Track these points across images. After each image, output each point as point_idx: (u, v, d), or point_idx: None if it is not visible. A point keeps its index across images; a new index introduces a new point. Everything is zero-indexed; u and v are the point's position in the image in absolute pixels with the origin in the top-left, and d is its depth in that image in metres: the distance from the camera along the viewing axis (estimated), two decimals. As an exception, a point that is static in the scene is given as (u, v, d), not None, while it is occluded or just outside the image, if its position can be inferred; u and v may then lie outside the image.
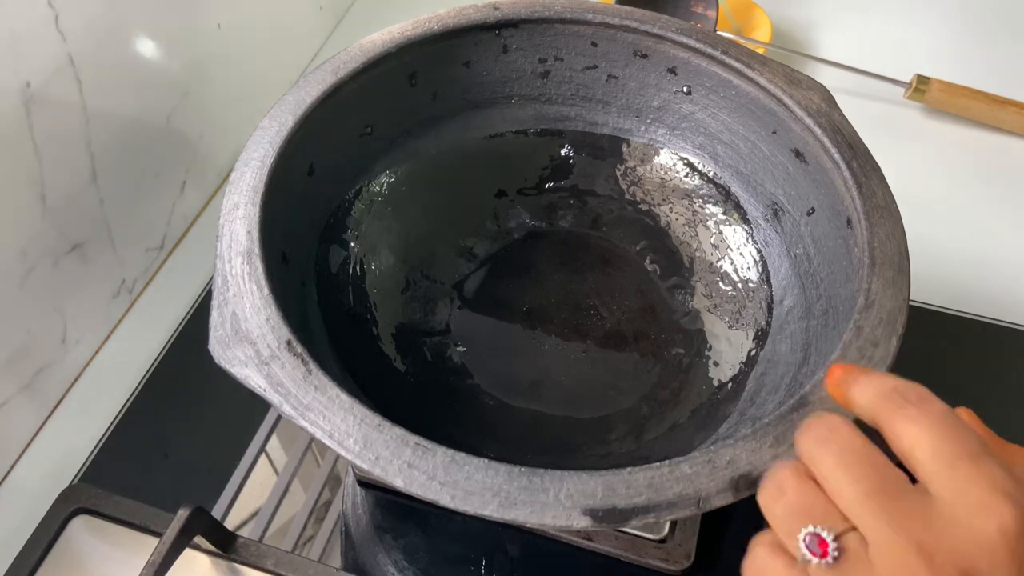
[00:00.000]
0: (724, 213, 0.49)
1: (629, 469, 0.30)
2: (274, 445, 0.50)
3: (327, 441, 0.30)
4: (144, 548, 0.41)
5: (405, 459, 0.30)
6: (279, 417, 0.50)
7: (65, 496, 0.44)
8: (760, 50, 0.67)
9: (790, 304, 0.44)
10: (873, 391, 0.25)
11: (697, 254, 0.49)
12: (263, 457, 0.49)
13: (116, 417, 0.51)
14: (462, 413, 0.44)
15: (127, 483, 0.47)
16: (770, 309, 0.45)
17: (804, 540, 0.23)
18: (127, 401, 0.51)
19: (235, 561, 0.42)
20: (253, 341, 0.33)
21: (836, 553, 0.23)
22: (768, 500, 0.25)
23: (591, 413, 0.44)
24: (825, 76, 0.61)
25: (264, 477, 0.48)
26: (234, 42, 0.61)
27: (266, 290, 0.34)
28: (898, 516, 0.22)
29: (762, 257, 0.47)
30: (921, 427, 0.23)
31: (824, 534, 0.23)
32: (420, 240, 0.49)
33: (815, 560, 0.23)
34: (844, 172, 0.39)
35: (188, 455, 0.49)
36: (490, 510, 0.29)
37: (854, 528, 0.23)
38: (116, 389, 0.52)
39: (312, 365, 0.32)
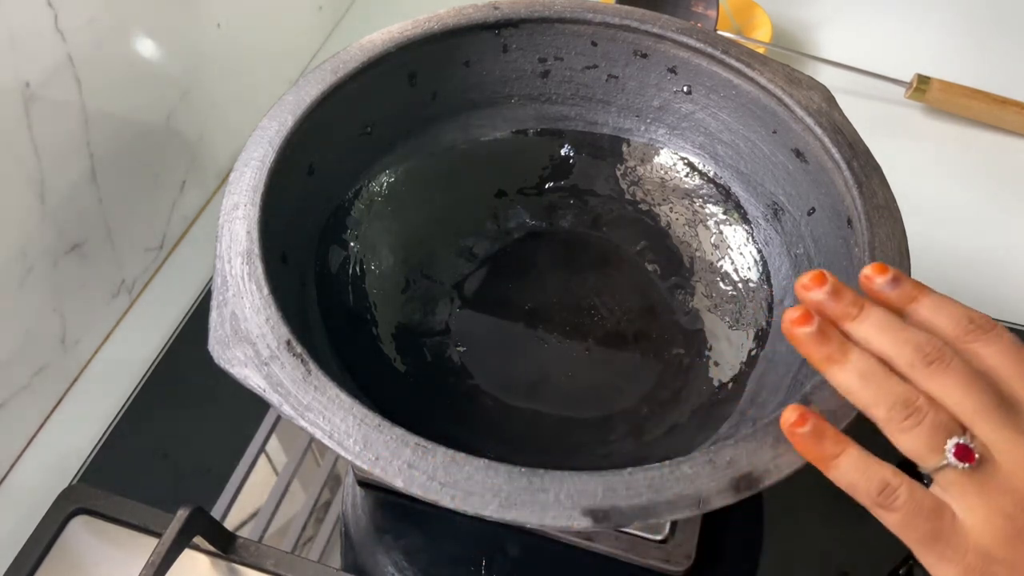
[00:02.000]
0: (724, 213, 0.49)
1: (629, 469, 0.30)
2: (274, 445, 0.50)
3: (327, 441, 0.30)
4: (144, 548, 0.41)
5: (405, 459, 0.30)
6: (279, 417, 0.50)
7: (65, 496, 0.44)
8: (760, 50, 0.67)
9: (790, 304, 0.44)
10: (945, 313, 0.29)
11: (697, 254, 0.49)
12: (263, 457, 0.49)
13: (116, 417, 0.51)
14: (462, 413, 0.44)
15: (127, 483, 0.47)
16: (770, 309, 0.45)
17: (951, 450, 0.26)
18: (127, 401, 0.51)
19: (235, 561, 0.42)
20: (253, 341, 0.33)
21: (978, 458, 0.26)
22: (905, 424, 0.27)
23: (591, 413, 0.44)
24: (825, 76, 0.61)
25: (264, 477, 0.48)
26: (234, 42, 0.60)
27: (266, 290, 0.34)
28: (1021, 425, 0.26)
29: (762, 257, 0.47)
30: (999, 349, 0.28)
31: (971, 443, 0.26)
32: (420, 240, 0.49)
33: (962, 465, 0.26)
34: (845, 172, 0.39)
35: (188, 455, 0.49)
36: (490, 510, 0.29)
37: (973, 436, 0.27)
38: (116, 389, 0.52)
39: (312, 365, 0.32)
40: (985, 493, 0.26)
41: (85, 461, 0.49)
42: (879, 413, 0.27)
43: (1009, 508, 0.26)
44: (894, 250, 0.36)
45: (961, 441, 0.26)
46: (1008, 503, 0.26)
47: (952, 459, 0.26)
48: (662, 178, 0.50)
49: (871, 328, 0.28)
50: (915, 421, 0.27)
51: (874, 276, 0.29)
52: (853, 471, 0.28)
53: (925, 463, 0.27)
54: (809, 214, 0.43)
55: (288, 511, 0.47)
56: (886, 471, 0.27)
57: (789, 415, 0.29)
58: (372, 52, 0.43)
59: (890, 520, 0.27)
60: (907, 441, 0.27)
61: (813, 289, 0.29)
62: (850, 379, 0.28)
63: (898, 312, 0.29)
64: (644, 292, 0.49)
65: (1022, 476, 0.26)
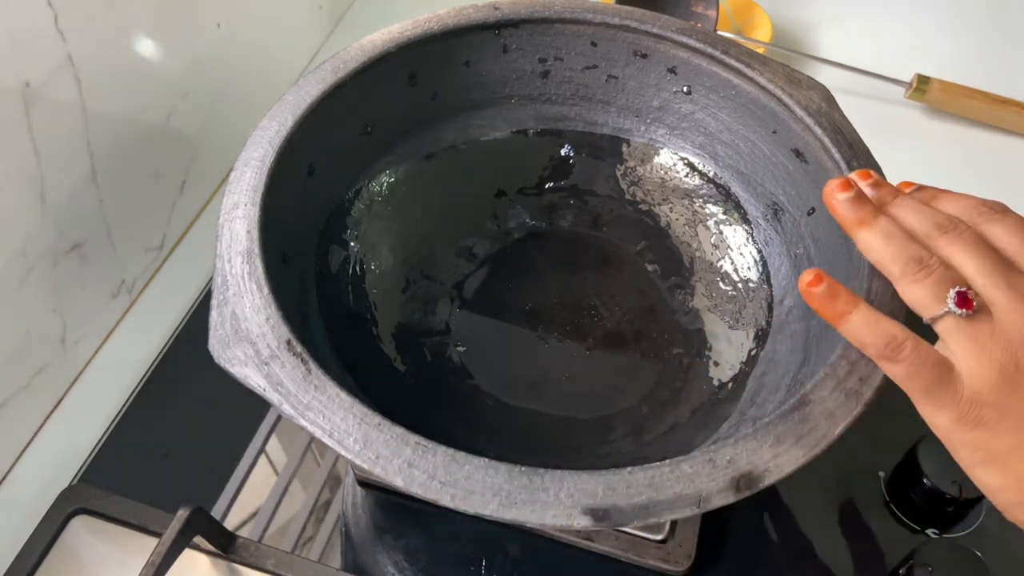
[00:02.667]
0: (724, 213, 0.49)
1: (629, 469, 0.30)
2: (274, 445, 0.50)
3: (327, 440, 0.30)
4: (144, 548, 0.41)
5: (405, 458, 0.30)
6: (279, 417, 0.50)
7: (65, 496, 0.44)
8: (760, 50, 0.67)
9: (790, 304, 0.44)
10: (961, 203, 0.32)
11: (697, 254, 0.49)
12: (263, 457, 0.49)
13: (116, 417, 0.51)
14: (462, 413, 0.44)
15: (127, 483, 0.46)
16: (770, 309, 0.45)
17: (952, 298, 0.29)
18: (127, 401, 0.51)
19: (235, 561, 0.42)
20: (253, 341, 0.33)
21: (976, 306, 0.29)
22: (916, 276, 0.30)
23: (591, 413, 0.44)
24: (825, 76, 0.61)
25: (264, 477, 0.48)
26: (234, 42, 0.60)
27: (266, 290, 0.34)
28: (1017, 285, 0.29)
29: (762, 257, 0.47)
30: (1008, 227, 0.31)
31: (969, 293, 0.29)
32: (420, 240, 0.49)
33: (960, 311, 0.29)
34: (844, 172, 0.39)
35: (188, 455, 0.49)
36: (490, 510, 0.29)
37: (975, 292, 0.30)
38: (116, 389, 0.52)
39: (312, 364, 0.32)
40: (979, 340, 0.29)
41: (85, 461, 0.49)
42: (895, 269, 0.30)
43: (1000, 356, 0.28)
44: (894, 250, 0.36)
45: (962, 290, 0.29)
46: (999, 351, 0.28)
47: (952, 306, 0.29)
48: (662, 178, 0.50)
49: (900, 208, 0.32)
50: (925, 275, 0.30)
51: (902, 188, 0.34)
52: (863, 326, 0.31)
53: (928, 311, 0.30)
54: (809, 214, 0.43)
55: (288, 511, 0.47)
56: (894, 327, 0.30)
57: (806, 276, 0.32)
58: (372, 52, 0.43)
59: (894, 371, 0.30)
60: (915, 291, 0.30)
61: (860, 181, 0.33)
62: (876, 238, 0.31)
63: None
64: (644, 292, 0.49)
65: (1014, 328, 0.28)
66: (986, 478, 0.30)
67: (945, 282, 0.29)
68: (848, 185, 0.32)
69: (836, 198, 0.32)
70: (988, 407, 0.29)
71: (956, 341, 0.29)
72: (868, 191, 0.33)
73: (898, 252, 0.30)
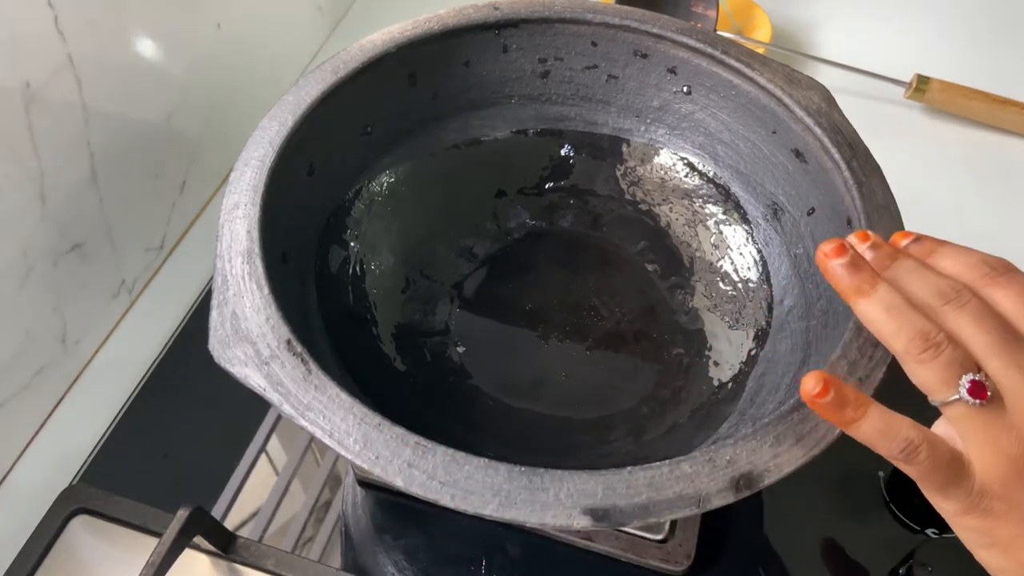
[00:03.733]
0: (724, 213, 0.49)
1: (629, 469, 0.30)
2: (274, 445, 0.50)
3: (327, 440, 0.30)
4: (144, 548, 0.41)
5: (405, 458, 0.30)
6: (279, 417, 0.50)
7: (65, 496, 0.44)
8: (760, 50, 0.67)
9: (790, 304, 0.44)
10: (962, 261, 0.30)
11: (697, 254, 0.49)
12: (263, 457, 0.49)
13: (116, 417, 0.51)
14: (462, 413, 0.44)
15: (127, 483, 0.47)
16: (770, 309, 0.45)
17: (965, 386, 0.27)
18: (127, 401, 0.51)
19: (235, 561, 0.42)
20: (253, 341, 0.33)
21: (990, 395, 0.27)
22: (922, 356, 0.28)
23: (591, 413, 0.44)
24: (825, 76, 0.61)
25: (264, 477, 0.48)
26: (234, 42, 0.60)
27: (266, 290, 0.34)
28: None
29: (762, 257, 0.47)
30: (1013, 291, 0.29)
31: (985, 381, 0.27)
32: (420, 240, 0.49)
33: (973, 401, 0.27)
34: (844, 172, 0.39)
35: (188, 455, 0.49)
36: (490, 510, 0.29)
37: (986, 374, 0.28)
38: (116, 389, 0.52)
39: (312, 365, 0.32)
40: (992, 432, 0.27)
41: (85, 461, 0.49)
42: (898, 344, 0.28)
43: (1013, 450, 0.27)
44: (894, 250, 0.36)
45: (976, 378, 0.27)
46: (1013, 445, 0.27)
47: (965, 395, 0.27)
48: (662, 178, 0.50)
49: (900, 272, 0.30)
50: (932, 355, 0.28)
51: (899, 240, 0.32)
52: (874, 433, 0.29)
53: (936, 395, 0.28)
54: (809, 214, 0.43)
55: (288, 511, 0.47)
56: (908, 429, 0.28)
57: (811, 386, 0.29)
58: (372, 52, 0.43)
59: (908, 471, 0.29)
60: (922, 373, 0.28)
61: (859, 245, 0.31)
62: (876, 310, 0.29)
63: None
64: (644, 292, 0.49)
65: None
66: (989, 559, 0.29)
67: (955, 365, 0.27)
68: (843, 249, 0.30)
69: (830, 265, 0.30)
70: (998, 499, 0.28)
71: (967, 430, 0.28)
72: (866, 253, 0.31)
73: (901, 325, 0.28)
